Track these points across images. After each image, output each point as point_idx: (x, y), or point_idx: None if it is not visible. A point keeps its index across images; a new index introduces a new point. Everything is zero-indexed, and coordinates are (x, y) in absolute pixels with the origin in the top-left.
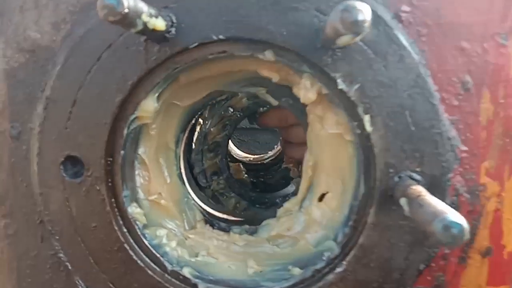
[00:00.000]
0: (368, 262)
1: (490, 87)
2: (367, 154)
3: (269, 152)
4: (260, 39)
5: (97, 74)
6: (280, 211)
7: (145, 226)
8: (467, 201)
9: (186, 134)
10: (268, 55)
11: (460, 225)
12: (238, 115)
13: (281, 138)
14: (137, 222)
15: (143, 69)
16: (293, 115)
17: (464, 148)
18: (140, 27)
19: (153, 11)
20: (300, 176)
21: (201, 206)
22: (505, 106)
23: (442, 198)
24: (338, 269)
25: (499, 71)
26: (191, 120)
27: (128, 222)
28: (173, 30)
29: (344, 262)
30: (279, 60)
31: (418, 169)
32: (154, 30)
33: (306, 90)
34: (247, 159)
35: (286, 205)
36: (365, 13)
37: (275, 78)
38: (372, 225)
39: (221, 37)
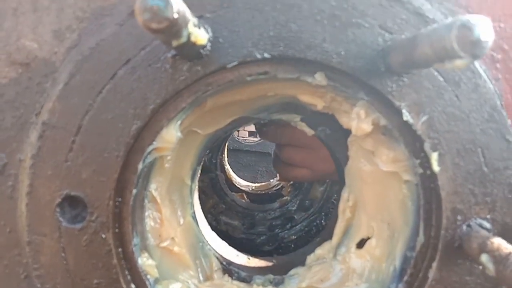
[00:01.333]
0: None
1: None
2: (430, 197)
3: (272, 180)
4: (313, 59)
5: (110, 96)
6: (310, 258)
7: (156, 281)
8: None
9: (201, 166)
10: (319, 78)
11: None
12: None
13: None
14: (148, 277)
15: (169, 91)
16: (288, 134)
17: None
18: (184, 39)
19: (195, 20)
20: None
21: (216, 251)
22: None
23: None
24: None
25: None
26: (208, 150)
27: (137, 276)
28: (208, 45)
29: None
30: (331, 85)
31: (488, 216)
32: (194, 44)
33: (360, 121)
34: (249, 188)
35: (318, 251)
36: (488, 32)
37: (319, 105)
38: (434, 282)
39: (266, 55)
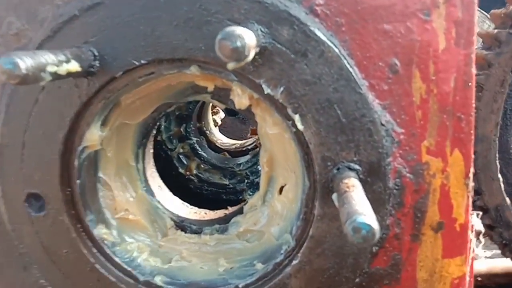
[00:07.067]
0: (321, 251)
1: (420, 66)
2: (305, 150)
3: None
4: (181, 57)
5: (37, 116)
6: (246, 208)
7: (114, 244)
8: (411, 181)
9: (146, 148)
10: (194, 70)
11: (369, 226)
12: None
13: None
14: (106, 242)
15: (78, 104)
16: None
17: (401, 130)
18: (48, 78)
19: (63, 57)
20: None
21: (172, 212)
22: (438, 82)
23: (384, 183)
24: (295, 261)
25: (426, 47)
26: (149, 134)
27: (96, 243)
28: (96, 63)
29: (299, 254)
30: (205, 73)
31: (355, 159)
32: (69, 74)
33: (239, 97)
34: (234, 146)
35: (251, 200)
36: (245, 39)
37: (210, 87)
38: (319, 217)
39: (143, 61)
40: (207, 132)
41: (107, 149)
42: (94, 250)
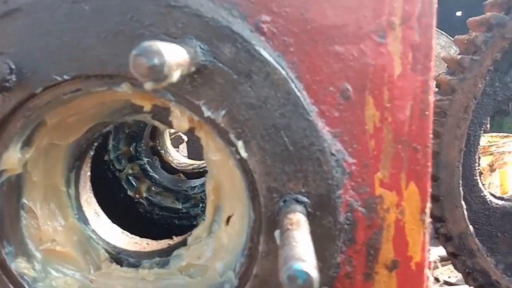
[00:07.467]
0: None
1: (373, 92)
2: (250, 179)
3: None
4: (111, 73)
5: None
6: (190, 239)
7: (36, 280)
8: (364, 215)
9: (81, 171)
10: (125, 87)
11: (306, 274)
12: None
13: None
14: (25, 277)
15: None
16: None
17: (352, 160)
18: None
19: None
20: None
21: (107, 242)
22: (392, 110)
23: (334, 217)
24: None
25: (381, 72)
26: (84, 156)
27: (14, 279)
28: (13, 77)
29: None
30: (139, 91)
31: (303, 190)
32: None
33: (178, 119)
34: (191, 167)
35: (195, 231)
36: (164, 56)
37: (146, 107)
38: (264, 254)
39: (66, 77)
40: (162, 151)
41: (33, 172)
42: (11, 286)
